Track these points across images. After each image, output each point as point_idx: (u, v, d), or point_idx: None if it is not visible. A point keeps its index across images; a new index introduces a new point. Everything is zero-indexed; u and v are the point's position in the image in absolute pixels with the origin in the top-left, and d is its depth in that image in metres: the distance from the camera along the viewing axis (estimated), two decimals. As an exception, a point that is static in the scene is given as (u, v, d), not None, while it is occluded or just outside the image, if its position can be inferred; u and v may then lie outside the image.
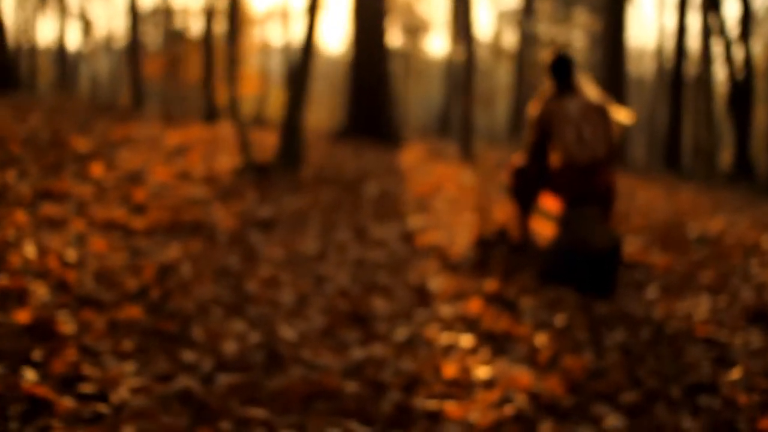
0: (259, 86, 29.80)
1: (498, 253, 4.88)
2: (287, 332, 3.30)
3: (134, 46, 15.87)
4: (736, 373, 3.42)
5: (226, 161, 7.45)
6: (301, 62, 7.42)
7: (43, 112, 10.39)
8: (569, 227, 4.61)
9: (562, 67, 4.87)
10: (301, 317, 3.54)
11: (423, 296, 4.06)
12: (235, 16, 11.95)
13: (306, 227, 5.24)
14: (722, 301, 4.45)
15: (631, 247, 5.63)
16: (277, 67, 32.42)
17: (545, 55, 4.97)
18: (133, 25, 15.96)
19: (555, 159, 4.90)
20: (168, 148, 8.12)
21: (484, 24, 36.43)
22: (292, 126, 7.36)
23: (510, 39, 30.86)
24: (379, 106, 12.67)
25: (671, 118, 17.74)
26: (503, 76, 35.75)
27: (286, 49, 26.22)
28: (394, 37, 28.89)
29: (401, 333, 3.48)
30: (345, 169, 8.20)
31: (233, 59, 7.29)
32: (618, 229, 6.07)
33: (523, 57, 29.41)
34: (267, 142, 8.49)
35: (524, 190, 5.02)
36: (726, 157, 20.09)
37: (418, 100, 35.24)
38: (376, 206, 6.15)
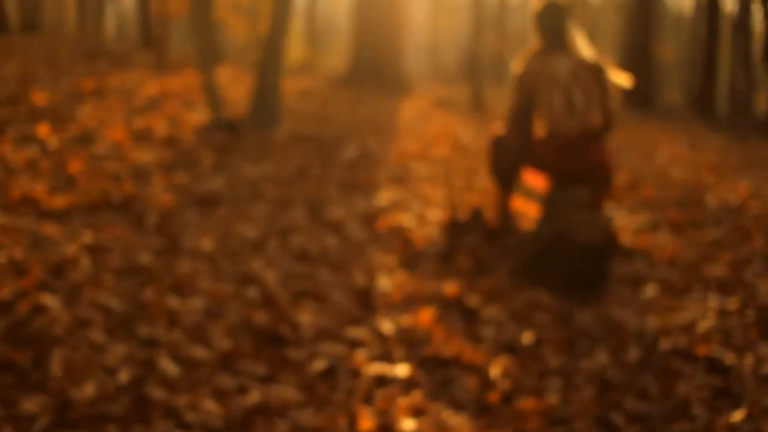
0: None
1: (469, 241, 4.17)
2: (169, 366, 2.64)
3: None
4: (738, 415, 2.74)
5: (197, 117, 6.75)
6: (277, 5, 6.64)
7: (23, 59, 9.74)
8: (551, 214, 3.88)
9: (551, 18, 4.09)
10: (200, 340, 2.87)
11: (365, 303, 3.37)
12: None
13: (255, 204, 4.55)
14: (733, 303, 3.72)
15: (634, 227, 4.89)
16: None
17: (532, 3, 4.19)
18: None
19: (540, 128, 4.16)
20: (140, 101, 7.42)
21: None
22: (266, 74, 6.62)
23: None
24: (386, 48, 11.82)
25: (706, 58, 16.63)
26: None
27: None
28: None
29: (320, 362, 2.81)
30: (330, 124, 7.46)
31: None
32: (621, 203, 5.32)
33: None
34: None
35: (504, 165, 4.29)
36: (762, 103, 19.01)
37: (451, 41, 33.79)
38: (348, 174, 5.43)
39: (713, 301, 3.74)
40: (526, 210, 4.26)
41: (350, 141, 6.58)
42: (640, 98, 15.37)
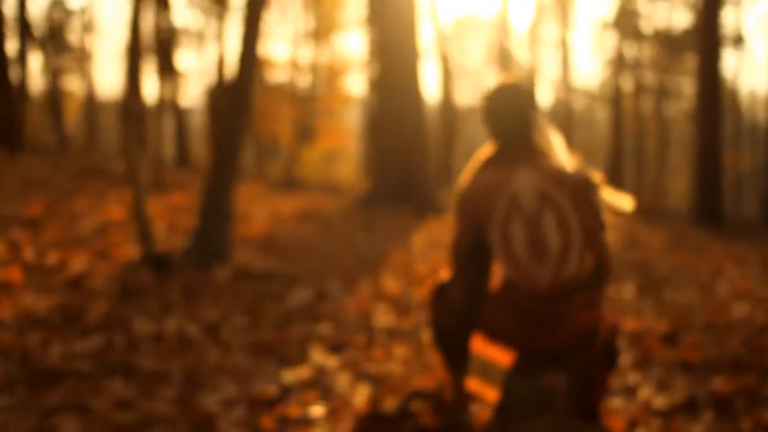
0: (339, 141, 28.19)
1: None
2: None
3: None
4: None
5: (131, 251, 5.52)
6: (233, 101, 5.45)
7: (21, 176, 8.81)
8: (505, 415, 2.44)
9: (508, 109, 2.73)
10: None
11: None
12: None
13: (112, 380, 3.21)
14: None
15: (662, 405, 3.37)
16: (356, 120, 30.74)
17: (483, 91, 2.82)
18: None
19: (496, 277, 2.76)
20: (86, 229, 6.26)
21: (587, 71, 34.02)
22: (212, 197, 5.38)
23: (624, 87, 28.31)
24: (412, 164, 10.58)
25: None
26: (605, 125, 33.23)
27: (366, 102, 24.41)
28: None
29: None
30: (303, 257, 6.15)
31: (132, 107, 5.35)
32: (649, 369, 3.82)
33: (620, 105, 27.02)
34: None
35: (449, 329, 2.88)
36: None
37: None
38: (276, 333, 4.07)
39: None
40: (483, 394, 2.82)
41: (310, 281, 5.24)
42: (708, 212, 13.79)
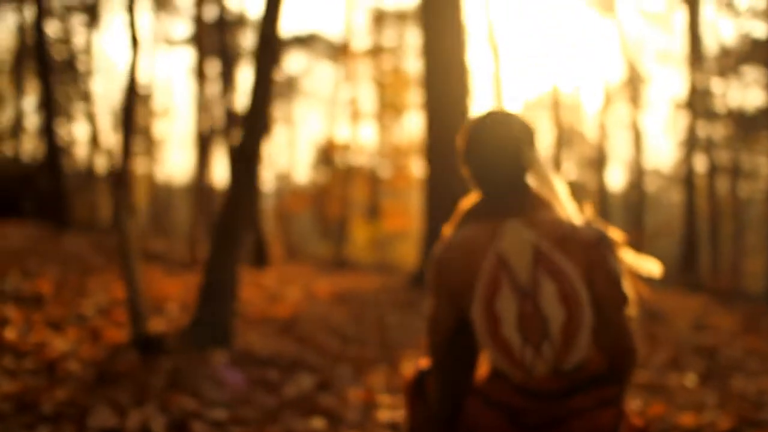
0: (404, 223, 27.69)
1: None
2: None
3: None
4: None
5: (125, 332, 4.99)
6: (236, 175, 4.95)
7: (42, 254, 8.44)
8: None
9: (490, 148, 2.10)
10: None
11: None
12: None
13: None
14: None
15: None
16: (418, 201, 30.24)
17: (462, 129, 2.20)
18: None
19: (482, 365, 2.12)
20: (90, 307, 5.78)
21: (660, 152, 33.06)
22: (213, 276, 4.83)
23: (698, 167, 27.37)
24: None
25: None
26: (679, 207, 32.13)
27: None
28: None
29: None
30: (319, 341, 5.54)
31: (122, 170, 4.86)
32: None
33: (693, 186, 26.03)
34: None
35: (426, 429, 2.22)
36: None
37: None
38: None
39: None
40: None
41: (317, 367, 4.62)
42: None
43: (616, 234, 2.07)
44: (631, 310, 2.03)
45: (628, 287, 2.03)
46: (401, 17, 23.65)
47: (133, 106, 4.72)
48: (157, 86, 29.70)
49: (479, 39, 41.81)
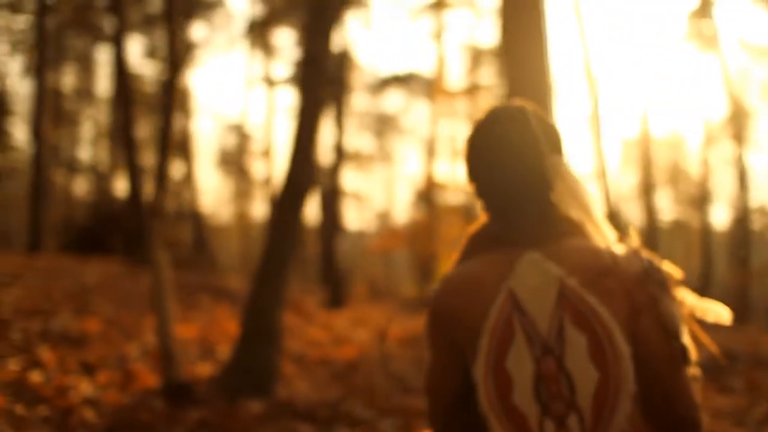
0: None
1: None
2: None
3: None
4: None
5: (157, 378, 4.62)
6: (282, 211, 4.54)
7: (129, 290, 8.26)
8: None
9: (500, 156, 1.56)
10: None
11: None
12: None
13: None
14: None
15: None
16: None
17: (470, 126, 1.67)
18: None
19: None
20: (135, 349, 5.45)
21: (765, 188, 31.71)
22: (254, 319, 4.42)
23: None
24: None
25: None
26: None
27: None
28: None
29: None
30: (380, 389, 5.05)
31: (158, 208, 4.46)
32: None
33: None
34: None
35: None
36: None
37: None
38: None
39: None
40: None
41: (361, 419, 4.13)
42: None
43: (671, 269, 1.54)
44: (693, 369, 1.49)
45: (688, 339, 1.50)
46: (497, 54, 23.21)
47: (170, 135, 4.37)
48: (257, 127, 29.94)
49: (576, 74, 41.01)
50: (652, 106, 36.03)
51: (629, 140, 32.82)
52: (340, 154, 18.12)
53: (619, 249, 1.54)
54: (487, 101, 23.81)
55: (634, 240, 1.57)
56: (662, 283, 1.50)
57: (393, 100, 31.31)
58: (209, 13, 24.07)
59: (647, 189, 20.59)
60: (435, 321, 1.59)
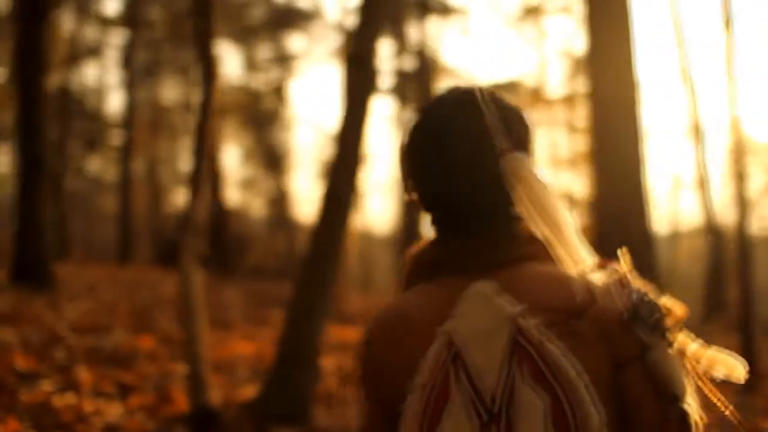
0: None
1: None
2: None
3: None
4: None
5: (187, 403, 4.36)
6: (326, 220, 4.24)
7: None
8: None
9: (443, 160, 1.15)
10: None
11: None
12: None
13: None
14: None
15: None
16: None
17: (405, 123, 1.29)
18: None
19: None
20: (178, 369, 5.24)
21: None
22: (291, 341, 4.11)
23: None
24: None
25: None
26: None
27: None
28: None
29: None
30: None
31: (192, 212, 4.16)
32: None
33: None
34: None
35: None
36: None
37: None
38: None
39: None
40: None
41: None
42: None
43: (672, 305, 1.13)
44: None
45: (692, 401, 1.09)
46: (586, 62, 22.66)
47: (205, 145, 4.12)
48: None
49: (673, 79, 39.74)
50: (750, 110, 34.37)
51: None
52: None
53: (599, 278, 1.14)
54: (585, 109, 23.15)
55: (623, 266, 1.17)
56: (656, 325, 1.09)
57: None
58: (307, 24, 24.14)
59: (740, 200, 19.62)
60: (362, 371, 1.23)
